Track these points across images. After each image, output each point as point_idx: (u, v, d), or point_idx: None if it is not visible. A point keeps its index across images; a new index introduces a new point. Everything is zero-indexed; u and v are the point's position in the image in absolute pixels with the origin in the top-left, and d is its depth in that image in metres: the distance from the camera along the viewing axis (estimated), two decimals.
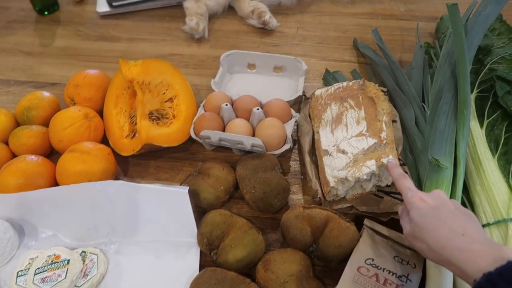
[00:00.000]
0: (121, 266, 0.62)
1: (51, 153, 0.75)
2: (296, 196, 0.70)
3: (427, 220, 0.47)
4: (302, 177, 0.72)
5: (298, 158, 0.75)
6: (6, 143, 0.73)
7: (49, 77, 0.93)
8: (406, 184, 0.53)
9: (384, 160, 0.61)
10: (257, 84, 0.88)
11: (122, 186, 0.62)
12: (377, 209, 0.64)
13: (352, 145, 0.64)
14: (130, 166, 0.75)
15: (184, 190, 0.61)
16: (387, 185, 0.65)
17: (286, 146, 0.71)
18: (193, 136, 0.73)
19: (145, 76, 0.74)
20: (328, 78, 0.87)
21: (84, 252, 0.62)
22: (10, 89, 0.90)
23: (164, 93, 0.75)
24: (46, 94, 0.80)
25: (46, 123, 0.75)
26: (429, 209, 0.48)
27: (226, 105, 0.73)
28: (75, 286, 0.59)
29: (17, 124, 0.78)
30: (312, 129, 0.73)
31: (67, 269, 0.59)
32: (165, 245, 0.63)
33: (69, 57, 0.97)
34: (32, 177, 0.65)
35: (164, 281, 0.60)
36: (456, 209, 0.48)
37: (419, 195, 0.50)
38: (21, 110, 0.76)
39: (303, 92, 0.82)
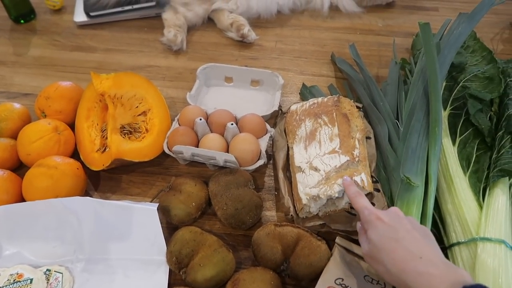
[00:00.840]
0: (87, 284, 0.60)
1: (19, 167, 0.73)
2: (270, 213, 0.69)
3: (385, 240, 0.46)
4: (276, 193, 0.71)
5: (272, 174, 0.74)
6: None
7: (21, 87, 0.91)
8: (362, 202, 0.52)
9: (357, 178, 0.61)
10: (234, 97, 0.87)
11: (89, 202, 0.61)
12: (349, 227, 0.63)
13: (324, 163, 0.64)
14: (101, 180, 0.73)
15: (153, 208, 0.60)
16: None
17: (260, 162, 0.70)
18: (166, 150, 0.72)
19: (117, 89, 0.73)
20: (305, 93, 0.87)
21: (49, 270, 0.60)
22: None
23: (137, 107, 0.74)
24: (16, 105, 0.78)
25: (15, 136, 0.73)
26: (386, 228, 0.47)
27: (200, 119, 0.72)
28: None
29: None
30: (287, 144, 0.73)
31: None
32: (134, 263, 0.61)
33: (43, 67, 0.95)
34: None
35: None
36: (412, 228, 0.47)
37: (376, 213, 0.49)
38: None
39: (279, 106, 0.81)
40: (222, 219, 0.65)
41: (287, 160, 0.71)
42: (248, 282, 0.54)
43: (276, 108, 0.80)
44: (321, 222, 0.64)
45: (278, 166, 0.70)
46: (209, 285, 0.57)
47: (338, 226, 0.63)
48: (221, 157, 0.67)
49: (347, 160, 0.63)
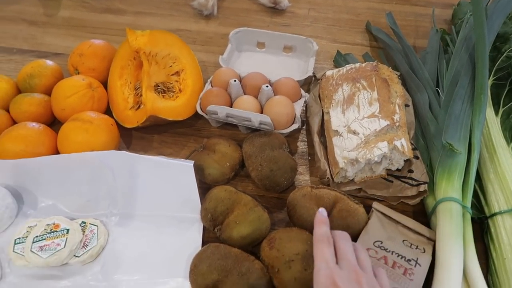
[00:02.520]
0: (121, 239, 0.60)
1: (53, 123, 0.73)
2: (303, 177, 0.68)
3: None
4: (309, 158, 0.70)
5: (306, 139, 0.73)
6: (7, 110, 0.71)
7: (52, 47, 0.90)
8: (324, 253, 0.45)
9: (397, 143, 0.59)
10: (265, 63, 0.86)
11: (125, 157, 0.60)
12: (386, 193, 0.62)
13: (363, 126, 0.62)
14: (133, 139, 0.73)
15: (189, 164, 0.59)
16: (397, 169, 0.63)
17: (295, 126, 0.69)
18: (199, 111, 0.71)
19: (152, 47, 0.72)
20: (339, 60, 0.84)
21: (84, 222, 0.61)
22: (12, 57, 0.88)
23: (171, 66, 0.73)
24: (49, 62, 0.77)
25: (48, 92, 0.73)
26: None
27: (235, 81, 0.70)
28: (74, 256, 0.57)
29: (19, 91, 0.75)
30: (322, 110, 0.71)
31: (67, 238, 0.57)
32: (167, 220, 0.61)
33: (73, 28, 0.94)
34: (33, 145, 0.63)
35: (165, 256, 0.58)
36: None
37: (333, 277, 0.41)
38: (23, 78, 0.74)
39: (313, 73, 0.79)
40: (256, 180, 0.64)
41: (322, 125, 0.70)
42: (284, 241, 0.53)
43: (310, 74, 0.78)
44: (357, 187, 0.63)
45: (313, 130, 0.68)
46: (244, 242, 0.56)
47: (375, 192, 0.62)
48: (256, 118, 0.65)
49: (387, 125, 0.61)
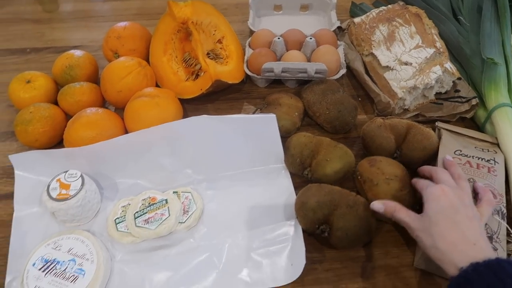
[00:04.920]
0: (215, 200, 0.62)
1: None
2: (360, 116, 0.72)
3: (442, 217, 0.46)
4: (359, 99, 0.75)
5: (347, 83, 0.77)
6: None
7: (67, 41, 0.88)
8: (445, 176, 0.52)
9: (447, 66, 0.66)
10: (285, 25, 0.88)
11: (206, 120, 0.61)
12: (441, 113, 0.68)
13: (413, 56, 0.68)
14: (188, 112, 0.74)
15: (271, 116, 0.61)
16: (442, 93, 0.70)
17: (343, 71, 0.73)
18: (249, 73, 0.73)
19: (196, 16, 0.73)
20: (355, 10, 0.90)
21: (176, 192, 0.62)
22: (28, 57, 0.85)
23: (214, 34, 0.75)
24: (78, 53, 0.76)
25: (89, 81, 0.72)
26: (448, 206, 0.47)
27: (279, 38, 0.73)
28: (178, 222, 0.58)
29: (56, 85, 0.74)
30: (360, 54, 0.76)
31: (168, 207, 0.58)
32: (254, 174, 0.64)
33: (82, 20, 0.92)
34: (106, 128, 0.63)
35: (262, 207, 0.61)
36: (473, 216, 0.47)
37: (442, 186, 0.49)
38: (62, 70, 0.72)
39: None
40: (325, 124, 0.68)
41: (364, 67, 0.75)
42: (384, 163, 0.58)
43: (339, 25, 0.82)
44: (416, 113, 0.69)
45: (360, 72, 0.73)
46: (337, 176, 0.60)
47: (432, 114, 0.68)
48: (312, 68, 0.69)
49: (434, 51, 0.68)
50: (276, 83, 0.77)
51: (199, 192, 0.63)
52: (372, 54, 0.73)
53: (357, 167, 0.61)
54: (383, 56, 0.71)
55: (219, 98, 0.75)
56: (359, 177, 0.59)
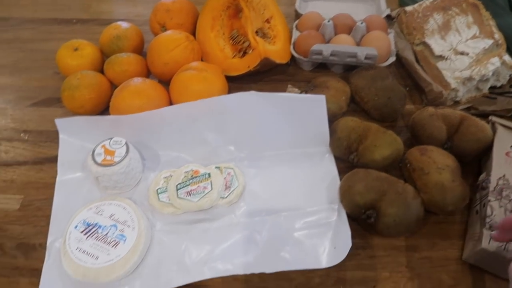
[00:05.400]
0: (257, 179, 0.61)
1: None
2: (407, 106, 0.70)
3: None
4: (407, 88, 0.73)
5: (395, 72, 0.75)
6: None
7: (112, 14, 0.88)
8: None
9: (505, 58, 0.63)
10: (332, 10, 0.86)
11: (254, 96, 0.60)
12: (494, 107, 0.66)
13: (470, 46, 0.65)
14: (231, 91, 0.73)
15: (321, 97, 0.60)
16: (497, 87, 0.67)
17: (392, 59, 0.71)
18: (295, 55, 0.72)
19: None
20: (405, 0, 0.87)
21: (218, 167, 0.61)
22: (74, 27, 0.85)
23: (262, 13, 0.74)
24: (125, 24, 0.76)
25: (134, 52, 0.72)
26: None
27: (329, 21, 0.72)
28: (220, 197, 0.58)
29: (102, 55, 0.74)
30: (410, 43, 0.74)
31: (211, 181, 0.58)
32: (297, 156, 0.63)
33: None
34: (151, 98, 0.63)
35: (304, 189, 0.60)
36: None
37: None
38: (109, 40, 0.72)
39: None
40: (373, 110, 0.66)
41: (414, 56, 0.73)
42: (435, 153, 0.56)
43: (389, 13, 0.80)
44: (468, 106, 0.66)
45: (411, 61, 0.71)
46: (385, 163, 0.58)
47: (485, 107, 0.66)
48: (363, 52, 0.67)
49: (492, 43, 0.65)
50: (321, 67, 0.75)
51: (241, 170, 0.62)
52: (424, 43, 0.71)
53: (406, 155, 0.59)
54: (437, 45, 0.69)
55: (263, 79, 0.74)
56: (408, 165, 0.58)
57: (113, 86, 0.69)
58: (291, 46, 0.73)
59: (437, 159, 0.55)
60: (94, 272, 0.50)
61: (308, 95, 0.60)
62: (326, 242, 0.54)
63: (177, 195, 0.57)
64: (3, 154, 0.65)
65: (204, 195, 0.56)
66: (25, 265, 0.53)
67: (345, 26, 0.73)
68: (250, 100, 0.61)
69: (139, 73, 0.69)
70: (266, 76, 0.74)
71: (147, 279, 0.51)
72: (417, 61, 0.72)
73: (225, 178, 0.60)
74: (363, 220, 0.54)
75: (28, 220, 0.57)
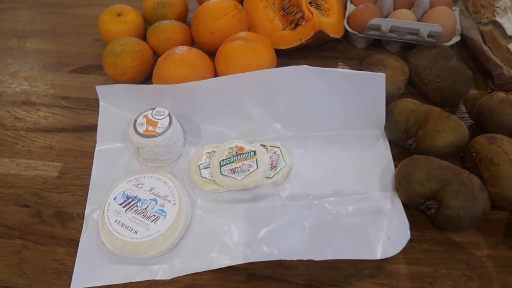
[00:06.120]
0: (304, 159, 0.57)
1: None
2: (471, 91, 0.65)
3: None
4: (470, 72, 0.67)
5: (458, 54, 0.69)
6: None
7: None
8: None
9: None
10: None
11: (306, 71, 0.56)
12: None
13: None
14: (278, 65, 0.68)
15: (381, 75, 0.55)
16: None
17: (456, 38, 0.65)
18: (349, 30, 0.67)
19: None
20: None
21: (263, 145, 0.57)
22: None
23: None
24: None
25: (178, 20, 0.69)
26: None
27: None
28: (265, 177, 0.54)
29: (144, 22, 0.71)
30: (477, 22, 0.67)
31: (256, 159, 0.54)
32: (348, 138, 0.58)
33: None
34: (196, 68, 0.59)
35: (356, 173, 0.55)
36: None
37: None
38: (153, 6, 0.69)
39: None
40: (433, 93, 0.61)
41: (482, 37, 0.66)
42: (505, 142, 0.51)
43: None
44: None
45: (478, 41, 0.65)
46: (448, 150, 0.53)
47: None
48: (426, 29, 0.62)
49: None
50: (375, 45, 0.70)
51: (287, 149, 0.58)
52: (495, 22, 0.64)
53: (471, 143, 0.54)
54: (510, 24, 0.62)
55: (312, 54, 0.70)
56: (474, 155, 0.52)
57: (155, 55, 0.66)
58: (345, 20, 0.68)
59: (508, 149, 0.50)
60: (132, 246, 0.48)
61: (367, 72, 0.55)
62: (379, 232, 0.50)
63: (220, 172, 0.54)
64: (42, 120, 0.63)
65: (249, 173, 0.53)
66: (62, 234, 0.51)
67: (405, 1, 0.67)
68: (302, 74, 0.56)
69: (183, 42, 0.66)
70: (315, 52, 0.70)
71: (186, 257, 0.49)
72: (484, 42, 0.65)
73: (270, 157, 0.56)
74: (420, 210, 0.50)
75: (66, 188, 0.56)
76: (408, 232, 0.48)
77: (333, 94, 0.57)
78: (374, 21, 0.62)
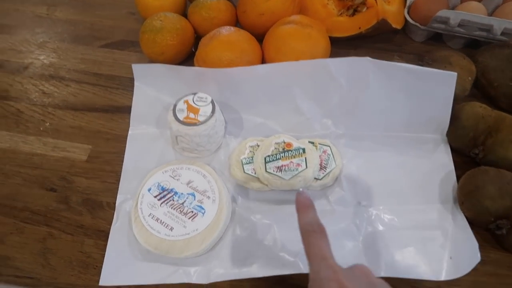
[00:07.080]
0: (356, 162, 0.52)
1: None
2: None
3: None
4: None
5: None
6: None
7: None
8: (319, 248, 0.32)
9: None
10: None
11: (368, 64, 0.50)
12: None
13: None
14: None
15: (452, 74, 0.49)
16: None
17: None
18: (410, 20, 0.61)
19: None
20: None
21: (312, 142, 0.52)
22: None
23: None
24: None
25: None
26: None
27: None
28: (314, 178, 0.49)
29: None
30: None
31: (305, 158, 0.49)
32: (406, 141, 0.53)
33: None
34: (245, 52, 0.54)
35: (413, 181, 0.50)
36: None
37: (337, 277, 0.29)
38: None
39: None
40: (502, 98, 0.55)
41: None
42: None
43: None
44: None
45: None
46: None
47: None
48: (501, 25, 0.55)
49: None
50: (435, 39, 0.64)
51: (337, 149, 0.53)
52: None
53: None
54: None
55: (363, 45, 0.64)
56: None
57: (196, 35, 0.60)
58: (406, 10, 0.61)
59: None
60: (167, 244, 0.44)
61: (437, 70, 0.50)
62: (440, 249, 0.45)
63: (265, 169, 0.49)
64: (71, 97, 0.59)
65: (298, 173, 0.48)
66: (90, 224, 0.47)
67: None
68: (362, 67, 0.51)
69: (228, 22, 0.60)
70: (368, 43, 0.64)
71: (225, 261, 0.45)
72: None
73: (320, 156, 0.51)
74: (488, 229, 0.45)
75: (95, 173, 0.51)
76: (478, 254, 0.43)
77: (395, 91, 0.51)
78: (442, 12, 0.56)
